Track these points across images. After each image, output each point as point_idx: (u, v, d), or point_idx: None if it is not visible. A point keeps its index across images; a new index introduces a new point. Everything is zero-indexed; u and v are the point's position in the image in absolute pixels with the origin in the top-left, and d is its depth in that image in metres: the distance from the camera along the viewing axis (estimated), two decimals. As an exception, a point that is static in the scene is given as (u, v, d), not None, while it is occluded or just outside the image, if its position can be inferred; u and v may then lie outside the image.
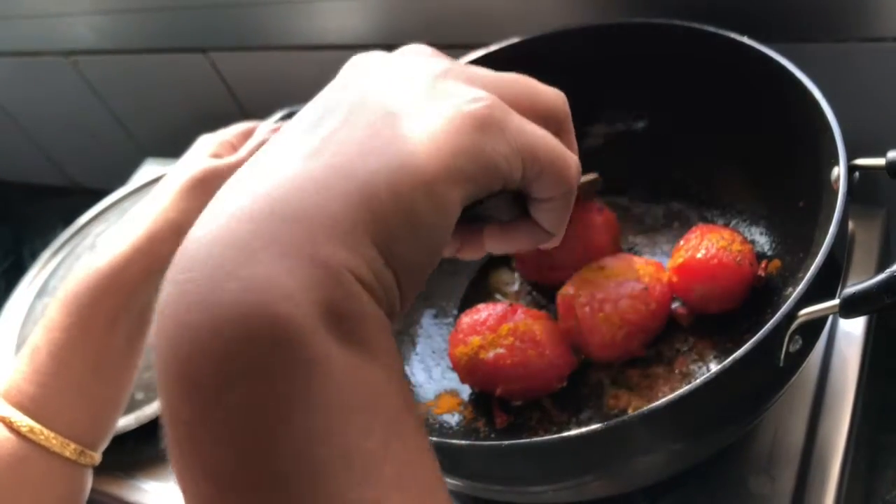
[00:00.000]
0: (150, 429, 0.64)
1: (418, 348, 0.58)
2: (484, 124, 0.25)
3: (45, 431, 0.44)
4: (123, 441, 0.63)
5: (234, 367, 0.20)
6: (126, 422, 0.64)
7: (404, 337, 0.59)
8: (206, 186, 0.51)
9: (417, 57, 0.29)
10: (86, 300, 0.47)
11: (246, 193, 0.23)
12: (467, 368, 0.49)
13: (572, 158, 0.29)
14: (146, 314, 0.50)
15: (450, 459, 0.43)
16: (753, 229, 0.54)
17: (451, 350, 0.51)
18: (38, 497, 0.45)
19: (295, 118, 0.27)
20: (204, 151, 0.54)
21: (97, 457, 0.48)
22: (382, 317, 0.24)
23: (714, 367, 0.41)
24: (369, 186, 0.23)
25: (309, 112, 0.26)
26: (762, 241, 0.53)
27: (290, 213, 0.22)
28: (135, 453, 0.65)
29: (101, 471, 0.64)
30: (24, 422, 0.44)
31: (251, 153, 0.53)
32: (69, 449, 0.45)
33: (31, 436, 0.44)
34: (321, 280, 0.22)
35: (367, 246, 0.23)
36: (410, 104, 0.25)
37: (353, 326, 0.22)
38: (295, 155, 0.24)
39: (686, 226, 0.57)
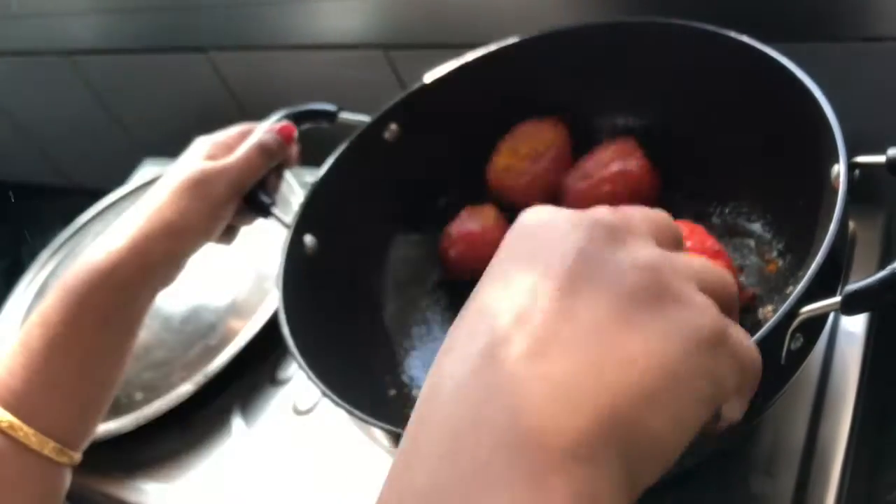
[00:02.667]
0: (149, 429, 0.64)
1: (415, 349, 0.58)
2: (714, 344, 0.24)
3: (25, 428, 0.44)
4: (123, 441, 0.63)
5: None
6: (125, 422, 0.63)
7: (403, 337, 0.59)
8: (201, 188, 0.51)
9: (618, 239, 0.25)
10: (77, 297, 0.47)
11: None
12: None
13: (757, 357, 0.26)
14: (138, 315, 0.50)
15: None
16: (754, 227, 0.54)
17: None
18: (14, 494, 0.44)
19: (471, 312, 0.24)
20: (200, 153, 0.54)
21: (77, 456, 0.47)
22: None
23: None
24: (614, 410, 0.21)
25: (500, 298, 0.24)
26: (763, 239, 0.53)
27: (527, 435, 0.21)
28: (134, 454, 0.65)
29: (100, 472, 0.64)
30: (4, 417, 0.44)
31: (247, 153, 0.54)
32: (48, 447, 0.45)
33: (10, 432, 0.44)
34: None
35: (611, 470, 0.21)
36: (622, 311, 0.23)
37: None
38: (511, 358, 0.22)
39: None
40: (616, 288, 0.23)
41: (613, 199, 0.52)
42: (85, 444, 0.48)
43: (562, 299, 0.23)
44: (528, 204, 0.29)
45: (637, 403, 0.22)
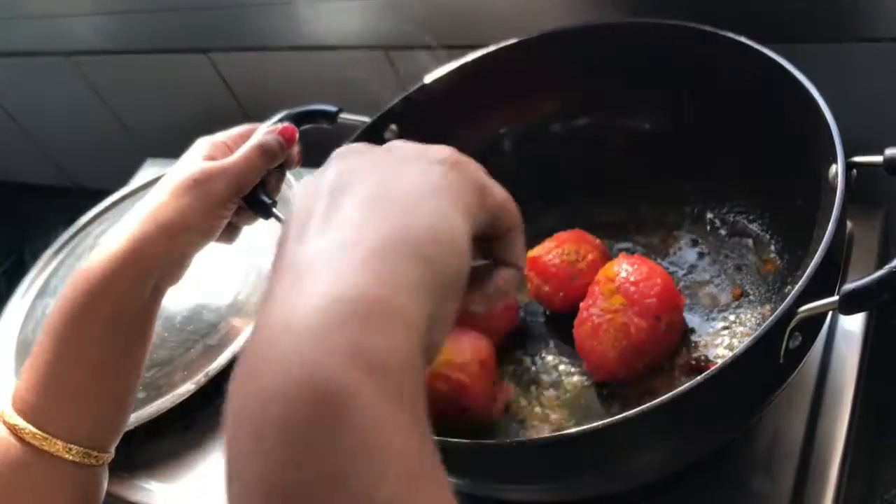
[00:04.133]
0: (151, 428, 0.64)
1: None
2: (452, 165, 0.32)
3: (49, 438, 0.45)
4: (125, 440, 0.63)
5: (280, 417, 0.23)
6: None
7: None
8: (201, 188, 0.51)
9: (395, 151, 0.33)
10: (81, 306, 0.47)
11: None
12: None
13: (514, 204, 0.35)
14: (146, 317, 0.50)
15: (450, 459, 0.43)
16: (752, 227, 0.54)
17: None
18: (45, 501, 0.45)
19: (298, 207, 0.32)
20: (199, 154, 0.54)
21: (106, 455, 0.48)
22: (416, 361, 0.26)
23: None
24: (413, 232, 0.28)
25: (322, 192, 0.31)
26: (761, 238, 0.53)
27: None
28: (137, 453, 0.65)
29: (102, 470, 0.64)
30: (26, 428, 0.45)
31: (248, 154, 0.54)
32: (72, 452, 0.45)
33: (34, 442, 0.44)
34: (356, 340, 0.24)
35: (408, 272, 0.26)
36: (404, 173, 0.31)
37: (393, 380, 0.24)
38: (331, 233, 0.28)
39: (685, 225, 0.58)
40: (368, 160, 0.32)
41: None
42: (114, 443, 0.49)
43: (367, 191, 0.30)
44: None
45: (405, 223, 0.28)
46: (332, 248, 0.27)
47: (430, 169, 0.31)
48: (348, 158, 0.32)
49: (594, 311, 0.49)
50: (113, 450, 0.49)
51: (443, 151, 0.32)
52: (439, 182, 0.30)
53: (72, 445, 0.45)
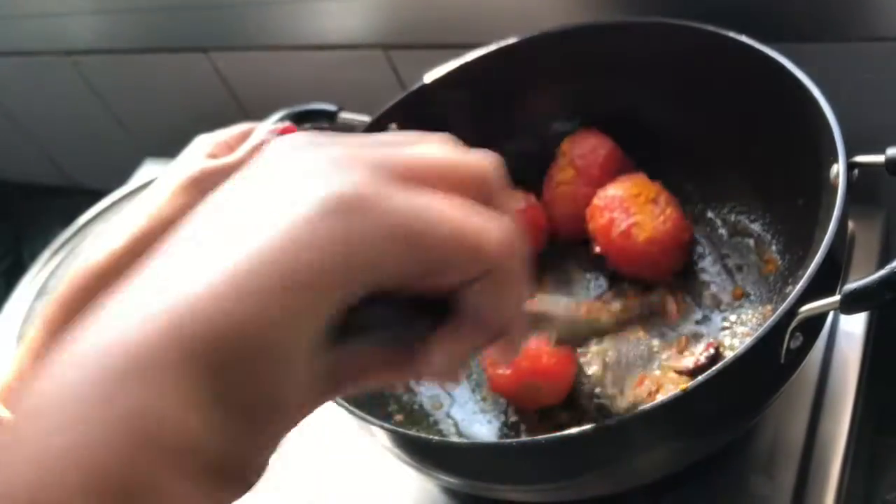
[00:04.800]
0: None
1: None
2: (342, 208, 0.20)
3: None
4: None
5: None
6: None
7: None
8: (201, 186, 0.51)
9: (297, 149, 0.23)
10: (76, 301, 0.47)
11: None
12: None
13: (494, 229, 0.22)
14: None
15: (450, 459, 0.43)
16: (753, 227, 0.54)
17: None
18: None
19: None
20: (200, 152, 0.54)
21: None
22: (197, 492, 0.19)
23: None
24: (183, 306, 0.19)
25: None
26: (762, 238, 0.53)
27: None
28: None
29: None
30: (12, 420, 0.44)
31: (248, 154, 0.54)
32: None
33: None
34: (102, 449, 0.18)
35: (185, 383, 0.18)
36: (260, 197, 0.21)
37: None
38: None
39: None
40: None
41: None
42: None
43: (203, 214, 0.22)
44: None
45: (211, 301, 0.19)
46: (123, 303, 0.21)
47: (304, 207, 0.20)
48: (266, 160, 0.23)
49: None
50: None
51: (351, 174, 0.21)
52: (302, 235, 0.20)
53: None
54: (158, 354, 0.18)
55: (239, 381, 0.19)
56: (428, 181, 0.22)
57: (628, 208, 0.52)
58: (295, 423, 0.21)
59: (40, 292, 0.79)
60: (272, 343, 0.19)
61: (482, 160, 0.26)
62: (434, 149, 0.24)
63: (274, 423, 0.20)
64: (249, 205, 0.21)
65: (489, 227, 0.22)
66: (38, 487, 0.17)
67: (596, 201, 0.54)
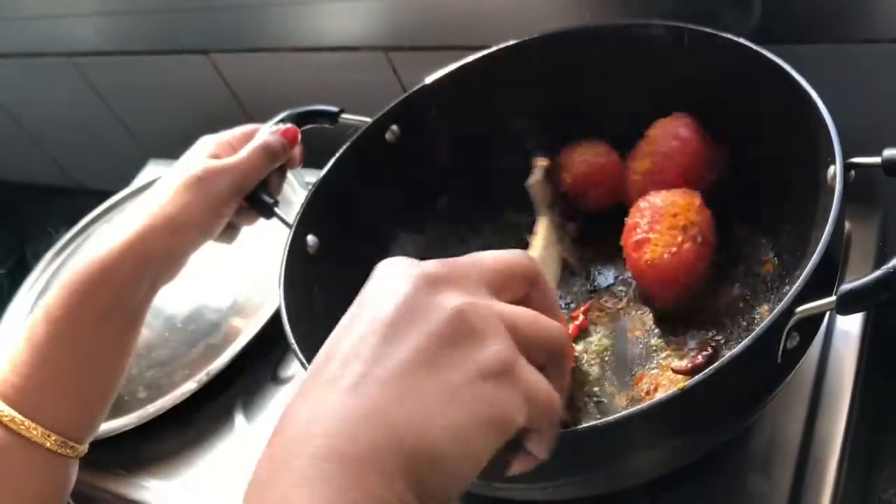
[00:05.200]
0: (151, 427, 0.64)
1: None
2: (498, 374, 0.28)
3: (27, 422, 0.45)
4: (125, 439, 0.64)
5: None
6: (128, 420, 0.64)
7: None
8: (204, 186, 0.51)
9: (443, 292, 0.30)
10: (79, 293, 0.47)
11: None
12: None
13: (555, 394, 0.31)
14: (140, 310, 0.50)
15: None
16: (750, 227, 0.54)
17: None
18: (20, 487, 0.45)
19: (332, 338, 0.30)
20: (203, 152, 0.55)
21: (82, 448, 0.48)
22: None
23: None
24: (401, 431, 0.26)
25: (343, 337, 0.29)
26: (759, 239, 0.53)
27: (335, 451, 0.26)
28: (137, 451, 0.65)
29: (103, 469, 0.65)
30: (5, 412, 0.44)
31: (250, 154, 0.54)
32: (51, 440, 0.45)
33: (11, 426, 0.44)
34: None
35: (398, 482, 0.26)
36: (427, 351, 0.28)
37: None
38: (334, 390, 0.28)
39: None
40: (425, 328, 0.28)
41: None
42: (89, 437, 0.49)
43: (379, 345, 0.28)
44: None
45: (421, 425, 0.26)
46: (346, 419, 0.27)
47: (470, 376, 0.28)
48: (414, 296, 0.29)
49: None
50: (87, 445, 0.49)
51: (496, 351, 0.28)
52: (476, 395, 0.27)
53: (51, 433, 0.45)
54: (381, 461, 0.26)
55: (435, 484, 0.26)
56: (525, 341, 0.30)
57: (654, 223, 0.51)
58: None
59: (43, 293, 0.80)
60: (458, 466, 0.27)
61: (560, 329, 0.32)
62: (530, 314, 0.31)
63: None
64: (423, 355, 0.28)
65: (553, 397, 0.30)
66: None
67: (641, 201, 0.53)
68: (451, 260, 0.31)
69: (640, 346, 0.52)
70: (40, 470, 0.46)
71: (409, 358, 0.28)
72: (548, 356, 0.31)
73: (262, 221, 0.57)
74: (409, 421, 0.26)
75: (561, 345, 0.31)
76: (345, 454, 0.26)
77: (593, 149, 0.59)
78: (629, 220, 0.53)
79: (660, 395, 0.48)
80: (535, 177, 0.58)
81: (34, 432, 0.45)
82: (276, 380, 0.66)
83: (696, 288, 0.51)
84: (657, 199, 0.52)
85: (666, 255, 0.50)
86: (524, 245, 0.58)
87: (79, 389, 0.47)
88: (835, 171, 0.41)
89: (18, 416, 0.44)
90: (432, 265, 0.31)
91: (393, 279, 0.31)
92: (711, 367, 0.36)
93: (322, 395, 0.28)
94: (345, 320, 0.30)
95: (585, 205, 0.59)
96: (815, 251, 0.38)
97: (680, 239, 0.50)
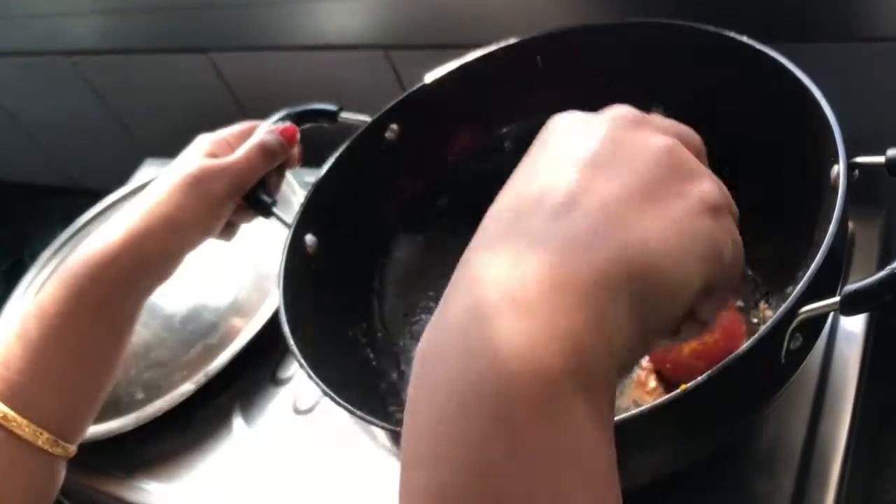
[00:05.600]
0: (150, 428, 0.64)
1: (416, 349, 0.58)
2: (717, 212, 0.28)
3: (19, 419, 0.44)
4: (124, 441, 0.64)
5: (503, 412, 0.23)
6: (126, 422, 0.64)
7: (403, 337, 0.59)
8: (201, 186, 0.51)
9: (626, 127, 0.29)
10: (74, 289, 0.47)
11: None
12: None
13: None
14: (134, 309, 0.50)
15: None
16: (752, 227, 0.54)
17: None
18: (7, 484, 0.44)
19: (514, 180, 0.28)
20: (201, 150, 0.54)
21: (72, 448, 0.47)
22: (614, 385, 0.25)
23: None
24: (630, 252, 0.25)
25: (532, 180, 0.28)
26: (762, 239, 0.53)
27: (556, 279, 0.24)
28: (135, 453, 0.65)
29: (101, 471, 0.64)
30: None
31: (248, 153, 0.54)
32: (42, 438, 0.45)
33: (3, 422, 0.44)
34: (577, 346, 0.23)
35: (623, 309, 0.25)
36: (645, 183, 0.27)
37: (593, 395, 0.24)
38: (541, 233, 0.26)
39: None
40: (639, 161, 0.27)
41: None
42: (80, 437, 0.48)
43: (584, 176, 0.26)
44: None
45: (649, 247, 0.25)
46: (567, 241, 0.25)
47: (693, 206, 0.27)
48: (613, 133, 0.28)
49: None
50: (76, 447, 0.48)
51: (712, 188, 0.28)
52: (697, 225, 0.27)
53: (42, 431, 0.45)
54: (614, 281, 0.25)
55: (653, 309, 0.26)
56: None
57: None
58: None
59: (41, 292, 0.79)
60: (679, 294, 0.26)
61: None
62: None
63: (653, 345, 0.28)
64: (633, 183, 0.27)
65: (742, 252, 0.31)
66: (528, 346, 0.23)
67: None
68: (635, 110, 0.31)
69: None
70: (30, 468, 0.45)
71: (626, 187, 0.26)
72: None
73: (260, 221, 0.57)
74: (638, 242, 0.25)
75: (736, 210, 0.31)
76: (575, 272, 0.24)
77: None
78: None
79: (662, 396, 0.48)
80: None
81: (26, 430, 0.44)
82: (275, 381, 0.66)
83: None
84: None
85: (708, 339, 0.49)
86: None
87: (72, 387, 0.47)
88: (838, 170, 0.40)
89: (10, 413, 0.44)
90: (623, 109, 0.30)
91: (582, 122, 0.30)
92: (714, 368, 0.35)
93: (516, 229, 0.26)
94: (526, 167, 0.28)
95: None
96: (818, 251, 0.37)
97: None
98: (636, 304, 0.25)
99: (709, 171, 0.29)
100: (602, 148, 0.27)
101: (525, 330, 0.23)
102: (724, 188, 0.29)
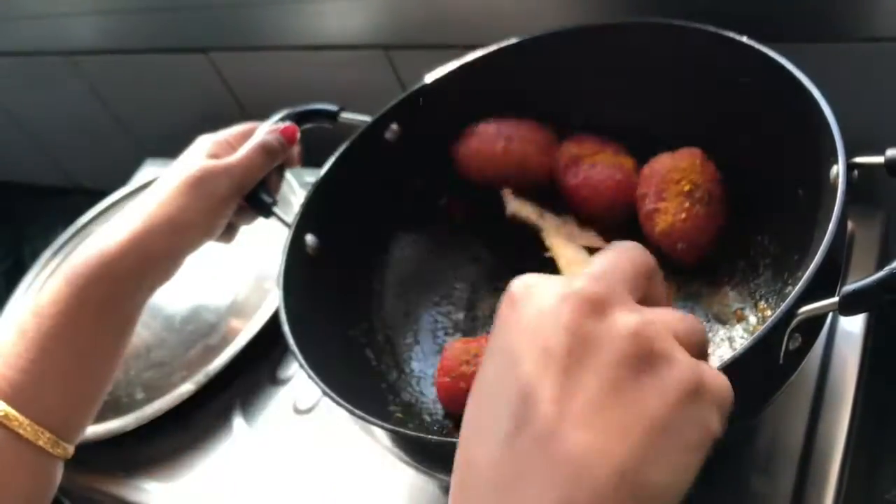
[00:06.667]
0: (150, 429, 0.64)
1: (416, 349, 0.58)
2: (695, 393, 0.26)
3: (20, 418, 0.44)
4: (124, 440, 0.64)
5: None
6: (126, 422, 0.64)
7: (403, 336, 0.59)
8: (203, 186, 0.51)
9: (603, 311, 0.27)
10: (76, 289, 0.47)
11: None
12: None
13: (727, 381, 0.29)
14: (135, 309, 0.50)
15: (449, 458, 0.43)
16: (752, 227, 0.54)
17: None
18: (7, 483, 0.44)
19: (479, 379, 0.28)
20: (202, 151, 0.54)
21: (70, 449, 0.47)
22: None
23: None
24: (625, 471, 0.24)
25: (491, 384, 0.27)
26: (761, 239, 0.53)
27: None
28: (135, 453, 0.65)
29: (101, 471, 0.64)
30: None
31: (249, 153, 0.54)
32: (42, 438, 0.45)
33: (4, 421, 0.44)
34: None
35: None
36: (619, 381, 0.26)
37: None
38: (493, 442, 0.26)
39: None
40: (606, 359, 0.26)
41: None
42: (78, 437, 0.48)
43: (562, 383, 0.25)
44: None
45: (639, 466, 0.24)
46: (540, 469, 0.25)
47: (669, 398, 0.25)
48: (573, 324, 0.26)
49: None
50: (73, 448, 0.48)
51: (688, 367, 0.26)
52: (679, 417, 0.25)
53: (42, 431, 0.45)
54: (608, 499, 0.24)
55: None
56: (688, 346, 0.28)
57: (660, 192, 0.52)
58: None
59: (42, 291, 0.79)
60: (678, 492, 0.26)
61: (698, 323, 0.30)
62: (678, 315, 0.29)
63: None
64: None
65: (729, 386, 0.29)
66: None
67: (645, 168, 0.54)
68: (594, 272, 0.28)
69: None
70: (30, 467, 0.45)
71: (601, 391, 0.25)
72: (699, 352, 0.28)
73: (260, 221, 0.57)
74: (631, 458, 0.24)
75: (706, 337, 0.30)
76: (572, 499, 0.24)
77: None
78: (638, 191, 0.54)
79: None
80: (510, 207, 0.60)
81: (27, 429, 0.44)
82: (275, 381, 0.66)
83: (713, 245, 0.52)
84: (660, 167, 0.53)
85: (677, 224, 0.51)
86: (527, 245, 0.58)
87: (72, 387, 0.47)
88: (837, 170, 0.40)
89: (12, 412, 0.44)
90: (581, 284, 0.27)
91: (545, 305, 0.27)
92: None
93: (512, 449, 0.25)
94: (494, 357, 0.28)
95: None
96: (817, 251, 0.37)
97: (687, 205, 0.51)
98: None
99: (675, 344, 0.27)
100: (572, 344, 0.26)
101: None
102: (691, 358, 0.27)
